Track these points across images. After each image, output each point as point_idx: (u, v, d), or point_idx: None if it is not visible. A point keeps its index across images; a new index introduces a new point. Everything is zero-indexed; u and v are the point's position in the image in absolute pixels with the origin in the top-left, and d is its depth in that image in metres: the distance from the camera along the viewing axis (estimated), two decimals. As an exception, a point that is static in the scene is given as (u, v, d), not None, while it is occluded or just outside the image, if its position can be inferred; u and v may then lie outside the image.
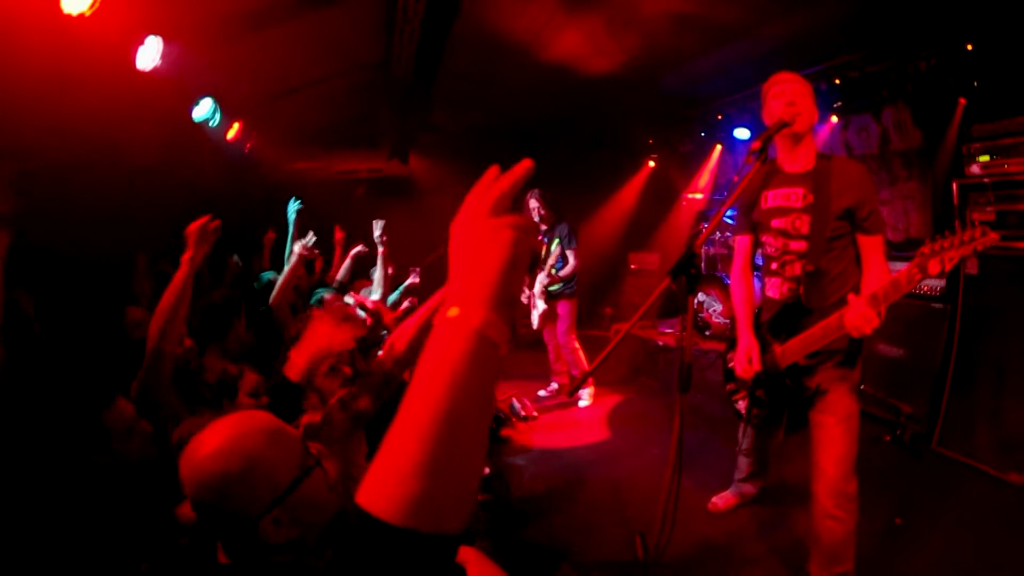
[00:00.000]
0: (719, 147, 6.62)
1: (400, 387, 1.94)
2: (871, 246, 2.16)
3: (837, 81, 4.63)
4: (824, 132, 4.92)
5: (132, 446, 1.72)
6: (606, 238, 7.67)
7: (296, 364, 1.91)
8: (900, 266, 1.95)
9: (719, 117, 5.95)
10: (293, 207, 3.93)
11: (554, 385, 5.14)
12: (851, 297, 1.99)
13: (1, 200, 1.61)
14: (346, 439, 1.85)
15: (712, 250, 5.80)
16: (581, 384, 1.99)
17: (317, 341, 1.95)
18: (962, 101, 3.80)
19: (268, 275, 4.25)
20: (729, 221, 5.41)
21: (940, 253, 1.78)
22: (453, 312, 0.60)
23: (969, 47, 3.82)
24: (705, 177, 6.83)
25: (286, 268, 3.43)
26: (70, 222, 3.50)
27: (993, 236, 1.74)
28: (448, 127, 6.46)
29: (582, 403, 4.75)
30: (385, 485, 0.56)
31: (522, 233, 0.63)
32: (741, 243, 2.58)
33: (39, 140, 3.55)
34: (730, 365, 2.60)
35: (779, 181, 2.31)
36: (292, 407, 1.71)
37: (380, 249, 3.77)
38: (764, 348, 2.39)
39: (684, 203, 7.08)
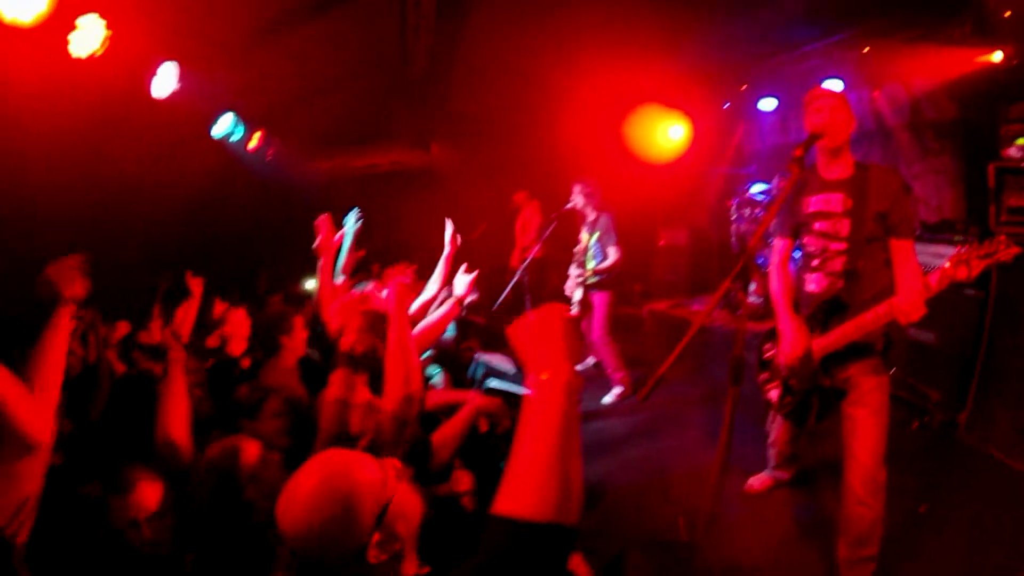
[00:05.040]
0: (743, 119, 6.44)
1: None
2: (902, 250, 2.28)
3: (866, 48, 4.47)
4: (853, 101, 4.76)
5: None
6: (633, 212, 7.42)
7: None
8: (935, 248, 2.03)
9: (743, 88, 5.79)
10: (352, 221, 3.33)
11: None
12: (901, 284, 2.17)
13: (74, 286, 1.73)
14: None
15: (743, 227, 5.78)
16: (655, 387, 2.00)
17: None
18: (999, 74, 3.65)
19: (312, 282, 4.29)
20: (760, 197, 5.42)
21: (966, 262, 1.93)
22: (545, 376, 0.84)
23: (1007, 14, 3.65)
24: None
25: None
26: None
27: (1014, 250, 1.86)
28: (468, 112, 6.30)
29: (605, 400, 4.64)
30: (527, 493, 0.79)
31: (565, 308, 0.92)
32: (780, 245, 2.68)
33: (67, 198, 3.60)
34: (767, 356, 2.68)
35: (819, 187, 2.42)
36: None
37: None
38: None
39: (710, 176, 6.96)
